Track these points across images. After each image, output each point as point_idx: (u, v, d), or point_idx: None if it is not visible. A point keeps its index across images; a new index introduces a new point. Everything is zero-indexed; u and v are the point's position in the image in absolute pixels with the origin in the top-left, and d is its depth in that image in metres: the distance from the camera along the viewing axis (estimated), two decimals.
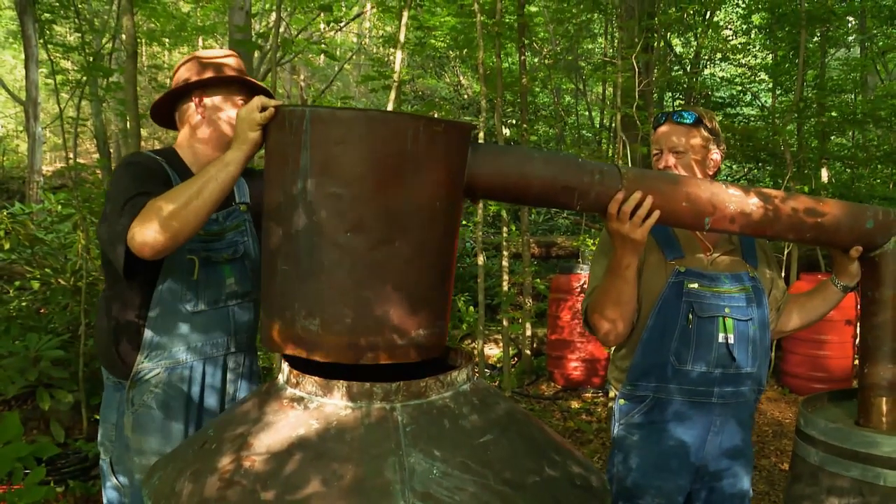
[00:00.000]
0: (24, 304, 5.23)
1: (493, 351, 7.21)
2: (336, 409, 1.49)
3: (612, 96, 9.93)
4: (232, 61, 2.17)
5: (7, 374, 4.31)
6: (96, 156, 14.05)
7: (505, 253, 5.39)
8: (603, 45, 13.51)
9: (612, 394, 5.44)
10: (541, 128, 11.61)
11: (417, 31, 8.51)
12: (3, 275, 6.11)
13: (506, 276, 5.47)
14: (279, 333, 1.60)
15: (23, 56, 9.66)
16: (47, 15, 8.62)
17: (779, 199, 1.89)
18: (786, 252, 6.69)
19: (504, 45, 7.40)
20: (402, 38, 4.28)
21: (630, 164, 5.93)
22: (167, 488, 1.52)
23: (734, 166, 13.27)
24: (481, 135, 4.67)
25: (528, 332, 6.61)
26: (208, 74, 2.13)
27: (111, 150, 13.96)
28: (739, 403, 2.19)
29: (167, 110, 2.21)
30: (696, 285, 2.11)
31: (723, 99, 12.18)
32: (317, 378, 1.53)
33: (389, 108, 4.29)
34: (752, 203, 1.86)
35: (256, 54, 12.37)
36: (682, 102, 12.37)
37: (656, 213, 1.79)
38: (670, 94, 12.88)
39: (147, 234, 1.78)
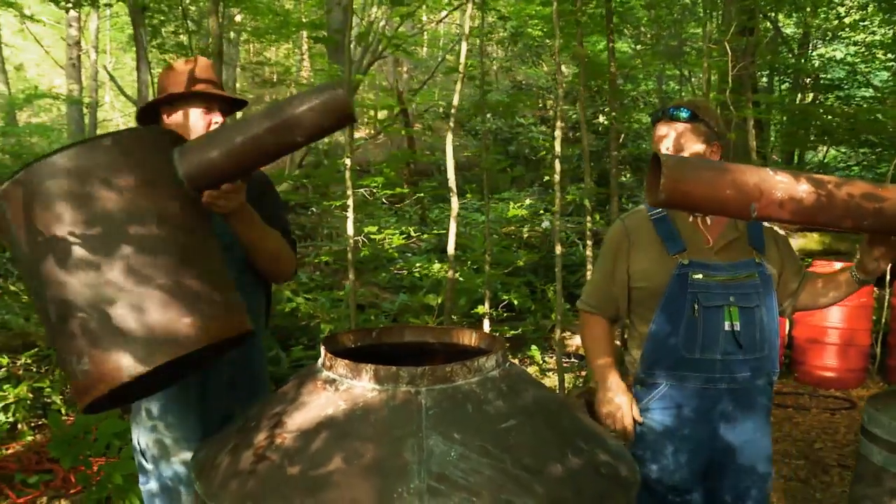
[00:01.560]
0: None
1: None
2: (364, 391, 1.54)
3: (716, 82, 9.61)
4: (198, 71, 2.16)
5: None
6: None
7: (589, 243, 5.34)
8: (708, 29, 13.07)
9: None
10: (635, 115, 11.33)
11: (504, 20, 8.46)
12: None
13: (589, 266, 5.41)
14: (74, 389, 1.59)
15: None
16: (158, 17, 9.10)
17: (832, 184, 1.81)
18: None
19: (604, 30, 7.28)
20: (466, 29, 4.30)
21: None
22: (210, 461, 1.61)
23: (849, 152, 12.59)
24: (559, 123, 4.63)
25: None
26: (170, 90, 2.14)
27: None
28: (749, 389, 2.20)
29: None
30: (700, 276, 2.15)
31: (831, 80, 11.54)
32: (347, 361, 1.59)
33: (455, 99, 4.30)
34: (803, 189, 1.78)
35: (358, 49, 12.64)
36: (789, 85, 11.85)
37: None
38: (778, 77, 12.35)
39: None
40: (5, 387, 4.39)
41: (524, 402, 1.60)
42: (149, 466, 2.25)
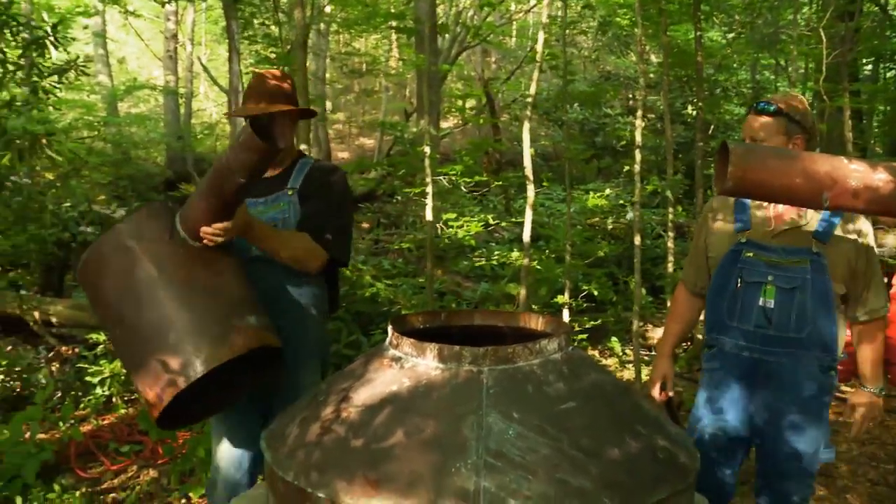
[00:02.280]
0: None
1: None
2: (428, 369, 1.59)
3: (812, 71, 9.25)
4: (270, 86, 2.51)
5: None
6: None
7: (670, 234, 5.25)
8: (807, 15, 12.55)
9: None
10: (726, 105, 10.99)
11: (591, 9, 8.34)
12: None
13: (671, 258, 5.32)
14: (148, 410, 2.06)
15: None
16: (250, 9, 9.38)
17: None
18: None
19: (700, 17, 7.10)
20: (544, 18, 4.28)
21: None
22: (280, 431, 1.69)
23: None
24: (639, 113, 4.55)
25: (701, 317, 6.38)
26: (249, 103, 2.54)
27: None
28: (785, 364, 2.32)
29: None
30: (751, 254, 2.35)
31: None
32: (412, 340, 1.64)
33: (532, 88, 4.29)
34: (880, 178, 1.73)
35: (447, 37, 12.70)
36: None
37: None
38: (883, 64, 11.78)
39: None
40: (102, 362, 4.66)
41: (584, 385, 1.62)
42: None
